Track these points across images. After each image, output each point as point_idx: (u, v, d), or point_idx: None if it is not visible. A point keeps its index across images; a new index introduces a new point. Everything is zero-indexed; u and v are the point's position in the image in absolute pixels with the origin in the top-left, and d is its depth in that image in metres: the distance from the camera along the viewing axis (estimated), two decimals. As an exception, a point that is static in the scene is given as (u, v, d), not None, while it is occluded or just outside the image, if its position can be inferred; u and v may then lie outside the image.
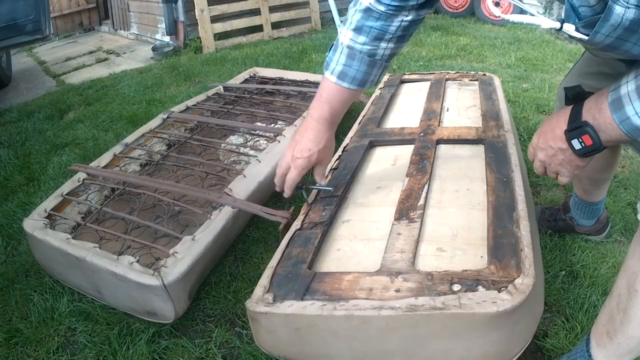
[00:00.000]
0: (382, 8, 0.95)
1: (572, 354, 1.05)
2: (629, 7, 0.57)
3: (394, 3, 0.94)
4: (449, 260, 0.98)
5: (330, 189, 1.22)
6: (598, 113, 0.74)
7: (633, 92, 0.68)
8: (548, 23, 0.69)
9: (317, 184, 1.20)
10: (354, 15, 1.00)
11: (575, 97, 0.81)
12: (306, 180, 1.20)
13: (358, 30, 1.00)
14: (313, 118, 1.11)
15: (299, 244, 1.09)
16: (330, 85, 1.07)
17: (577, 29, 0.67)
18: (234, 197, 1.46)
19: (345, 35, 1.03)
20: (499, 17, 0.77)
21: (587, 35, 0.66)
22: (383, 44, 1.01)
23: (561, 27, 0.68)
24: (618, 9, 0.58)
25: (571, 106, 0.81)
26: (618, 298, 0.90)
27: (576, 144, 0.78)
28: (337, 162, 1.42)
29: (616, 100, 0.71)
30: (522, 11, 0.78)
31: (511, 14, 0.73)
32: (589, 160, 0.83)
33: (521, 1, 0.78)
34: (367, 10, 0.97)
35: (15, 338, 1.31)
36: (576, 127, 0.77)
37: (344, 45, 1.03)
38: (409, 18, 0.97)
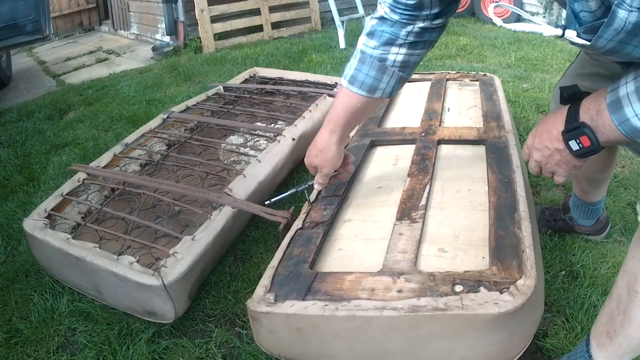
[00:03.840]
0: (395, 17, 0.97)
1: (572, 354, 1.05)
2: (632, 11, 0.57)
3: (407, 12, 0.95)
4: (450, 261, 0.98)
5: (306, 185, 1.23)
6: (596, 114, 0.73)
7: (633, 93, 0.67)
8: (550, 31, 0.69)
9: (305, 184, 1.24)
10: (370, 21, 1.03)
11: (571, 97, 0.80)
12: (306, 179, 1.20)
13: (371, 34, 1.02)
14: (323, 125, 1.14)
15: (301, 243, 1.09)
16: (343, 90, 1.09)
17: (578, 35, 0.66)
18: (234, 197, 1.46)
19: (360, 40, 1.05)
20: (500, 27, 0.76)
21: (589, 40, 0.65)
22: (394, 49, 1.01)
23: (563, 34, 0.68)
24: (622, 13, 0.58)
25: (567, 106, 0.80)
26: (618, 299, 0.90)
27: (574, 145, 0.77)
28: (337, 162, 1.41)
29: (615, 102, 0.70)
30: (519, 17, 0.78)
31: (505, 19, 0.72)
32: (585, 161, 0.82)
33: (522, 8, 0.78)
34: (382, 19, 1.00)
35: (15, 338, 1.31)
36: (574, 128, 0.76)
37: (358, 50, 1.05)
38: (422, 25, 0.98)
